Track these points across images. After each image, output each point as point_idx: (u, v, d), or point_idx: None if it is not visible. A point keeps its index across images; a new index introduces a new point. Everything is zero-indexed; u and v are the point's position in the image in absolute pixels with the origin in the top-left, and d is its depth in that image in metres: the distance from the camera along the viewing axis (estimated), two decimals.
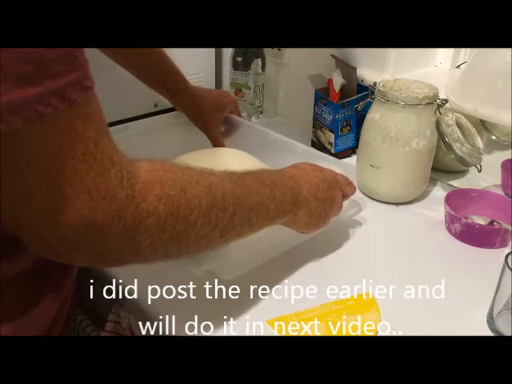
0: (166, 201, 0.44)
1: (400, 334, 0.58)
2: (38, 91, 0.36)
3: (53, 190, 0.39)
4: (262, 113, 1.18)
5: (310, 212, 0.64)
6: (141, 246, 0.45)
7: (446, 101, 0.80)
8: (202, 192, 0.48)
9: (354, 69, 0.98)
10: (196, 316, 0.61)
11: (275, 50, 1.16)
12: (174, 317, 0.60)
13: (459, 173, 0.94)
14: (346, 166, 0.84)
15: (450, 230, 0.78)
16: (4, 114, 0.35)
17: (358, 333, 0.59)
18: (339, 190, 0.68)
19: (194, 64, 1.16)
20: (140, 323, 0.63)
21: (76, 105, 0.38)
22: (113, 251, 0.44)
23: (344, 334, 0.58)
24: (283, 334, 0.58)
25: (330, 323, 0.59)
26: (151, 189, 0.43)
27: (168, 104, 0.95)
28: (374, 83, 0.84)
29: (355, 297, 0.64)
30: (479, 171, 0.82)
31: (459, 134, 0.80)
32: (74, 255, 0.44)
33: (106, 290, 0.67)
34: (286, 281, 0.67)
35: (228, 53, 1.15)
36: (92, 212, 0.40)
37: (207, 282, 0.65)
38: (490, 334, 0.59)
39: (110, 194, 0.41)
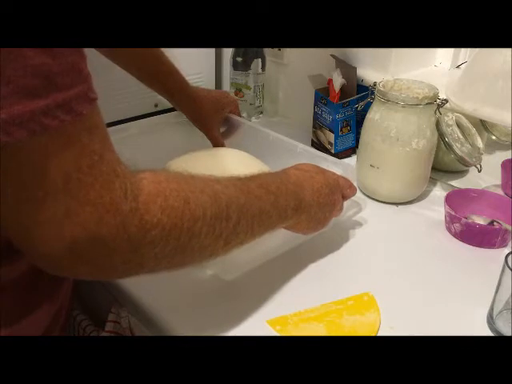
0: (170, 212, 0.44)
1: (400, 334, 0.58)
2: (45, 104, 0.36)
3: (57, 203, 0.39)
4: (261, 113, 1.18)
5: (310, 217, 0.64)
6: (145, 258, 0.44)
7: (446, 101, 0.80)
8: (206, 202, 0.48)
9: (354, 69, 0.98)
10: (196, 316, 0.61)
11: (275, 49, 1.16)
12: (174, 317, 0.60)
13: (459, 173, 0.94)
14: (346, 166, 0.84)
15: (450, 230, 0.78)
16: (9, 126, 0.35)
17: (358, 333, 0.59)
18: (340, 193, 0.69)
19: (194, 64, 1.16)
20: (140, 323, 0.63)
21: (82, 117, 0.39)
22: (117, 264, 0.44)
23: (344, 334, 0.58)
24: (283, 334, 0.58)
25: (330, 323, 0.60)
26: (155, 200, 0.43)
27: (168, 104, 0.95)
28: (374, 83, 0.84)
29: (355, 297, 0.64)
30: (479, 171, 0.82)
31: (459, 134, 0.80)
32: (79, 269, 0.43)
33: (106, 290, 0.67)
34: (286, 281, 0.67)
35: (228, 53, 1.15)
36: (97, 225, 0.40)
37: (207, 282, 0.65)
38: (490, 333, 0.59)
39: (115, 206, 0.40)
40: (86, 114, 0.39)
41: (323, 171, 0.68)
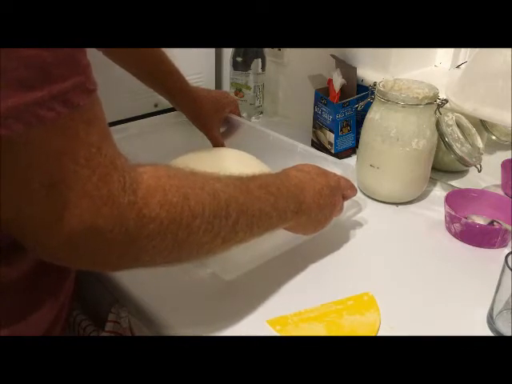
0: (169, 207, 0.44)
1: (400, 334, 0.58)
2: (40, 96, 0.36)
3: (54, 196, 0.39)
4: (262, 113, 1.18)
5: (310, 218, 0.64)
6: (142, 252, 0.44)
7: (446, 101, 0.80)
8: (205, 199, 0.48)
9: (354, 69, 0.98)
10: (196, 316, 0.61)
11: (275, 49, 1.16)
12: (174, 317, 0.60)
13: (459, 173, 0.94)
14: (346, 166, 0.84)
15: (450, 230, 0.78)
16: (4, 118, 0.35)
17: (358, 333, 0.59)
18: (341, 194, 0.69)
19: (194, 64, 1.16)
20: (140, 323, 0.63)
21: (79, 109, 0.38)
22: (114, 256, 0.44)
23: (344, 333, 0.58)
24: (283, 334, 0.58)
25: (330, 323, 0.60)
26: (154, 195, 0.43)
27: (168, 104, 0.95)
28: (374, 83, 0.84)
29: (355, 297, 0.64)
30: (479, 171, 0.82)
31: (459, 134, 0.80)
32: (76, 260, 0.44)
33: (106, 290, 0.67)
34: (286, 281, 0.67)
35: (228, 53, 1.15)
36: (94, 217, 0.40)
37: (207, 282, 0.65)
38: (490, 333, 0.59)
39: (112, 199, 0.40)
40: (83, 106, 0.38)
41: (324, 172, 0.68)
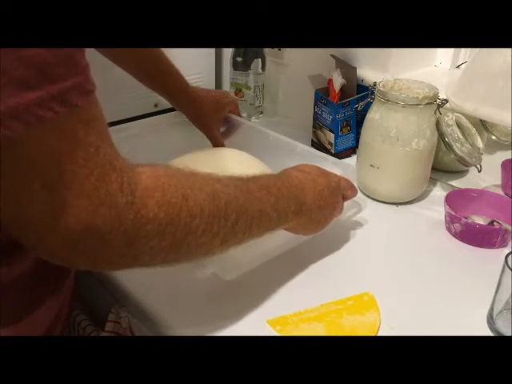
0: (167, 208, 0.44)
1: (400, 334, 0.58)
2: (39, 95, 0.36)
3: (53, 195, 0.39)
4: (262, 113, 1.18)
5: (310, 219, 0.64)
6: (140, 252, 0.44)
7: (446, 101, 0.81)
8: (204, 200, 0.48)
9: (354, 69, 0.98)
10: (196, 316, 0.61)
11: (275, 49, 1.16)
12: (173, 317, 0.60)
13: (459, 173, 0.94)
14: (346, 166, 0.84)
15: (450, 230, 0.78)
16: (5, 118, 0.35)
17: (358, 333, 0.59)
18: (341, 195, 0.69)
19: (194, 64, 1.16)
20: (140, 323, 0.63)
21: (77, 109, 0.38)
22: (112, 256, 0.44)
23: (344, 333, 0.58)
24: (283, 334, 0.58)
25: (330, 323, 0.60)
26: (152, 195, 0.43)
27: (168, 104, 0.95)
28: (374, 83, 0.84)
29: (355, 297, 0.64)
30: (479, 171, 0.82)
31: (459, 134, 0.80)
32: (75, 260, 0.44)
33: (106, 290, 0.67)
34: (286, 281, 0.66)
35: (228, 53, 1.15)
36: (91, 217, 0.40)
37: (207, 282, 0.65)
38: (490, 333, 0.59)
39: (110, 199, 0.40)
40: (81, 106, 0.39)
41: (325, 173, 0.68)
